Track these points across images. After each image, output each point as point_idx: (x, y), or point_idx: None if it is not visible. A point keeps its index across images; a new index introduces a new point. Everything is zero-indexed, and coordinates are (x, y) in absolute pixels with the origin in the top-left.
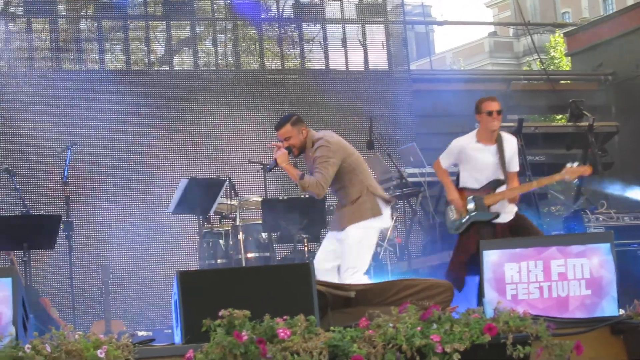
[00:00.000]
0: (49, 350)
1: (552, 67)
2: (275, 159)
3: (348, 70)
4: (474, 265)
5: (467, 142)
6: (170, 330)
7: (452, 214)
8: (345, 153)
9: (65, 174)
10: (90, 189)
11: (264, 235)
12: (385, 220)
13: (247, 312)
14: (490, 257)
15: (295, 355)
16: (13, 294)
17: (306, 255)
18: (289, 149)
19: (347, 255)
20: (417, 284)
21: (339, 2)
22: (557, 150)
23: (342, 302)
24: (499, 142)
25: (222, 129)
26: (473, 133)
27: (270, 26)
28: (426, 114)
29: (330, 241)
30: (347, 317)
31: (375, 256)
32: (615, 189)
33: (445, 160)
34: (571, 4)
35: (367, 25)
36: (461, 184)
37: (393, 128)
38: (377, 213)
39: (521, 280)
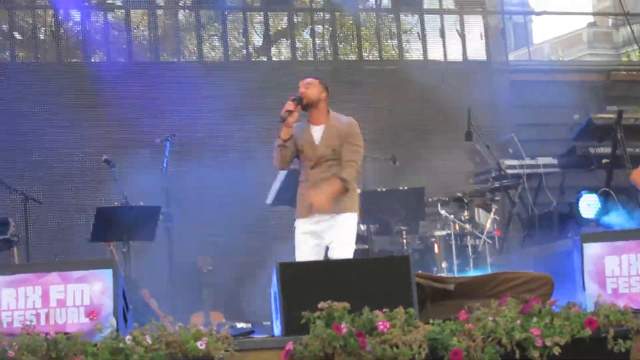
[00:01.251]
0: (150, 341)
1: None
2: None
3: (446, 60)
4: None
5: None
6: (269, 323)
7: None
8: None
9: (164, 165)
10: (189, 180)
11: (362, 227)
12: None
13: (347, 305)
14: (591, 250)
15: (395, 348)
16: (113, 285)
17: (405, 247)
18: (299, 99)
19: (346, 242)
20: (517, 277)
21: None
22: None
23: (441, 295)
24: None
25: None
26: None
27: (368, 17)
28: (525, 105)
29: (316, 226)
30: (446, 310)
31: (474, 249)
32: None
33: None
34: None
35: (465, 16)
36: None
37: (491, 119)
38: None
39: (622, 274)
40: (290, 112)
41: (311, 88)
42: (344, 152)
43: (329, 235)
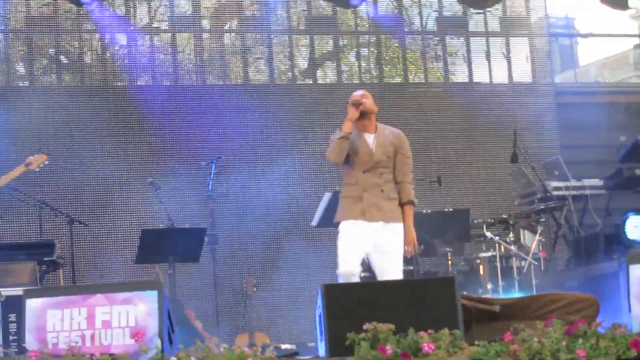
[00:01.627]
0: None
1: None
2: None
3: (492, 83)
4: None
5: None
6: (314, 344)
7: None
8: None
9: (210, 187)
10: (234, 202)
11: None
12: None
13: (392, 326)
14: (637, 271)
15: None
16: (159, 307)
17: (450, 269)
18: (360, 103)
19: (393, 251)
20: (562, 298)
21: (482, 15)
22: None
23: (486, 316)
24: None
25: None
26: None
27: (413, 39)
28: (571, 126)
29: (365, 230)
30: (492, 331)
31: (520, 270)
32: None
33: None
34: None
35: (511, 38)
36: None
37: (537, 141)
38: None
39: None
40: (361, 104)
41: (369, 98)
42: (398, 164)
43: (378, 240)
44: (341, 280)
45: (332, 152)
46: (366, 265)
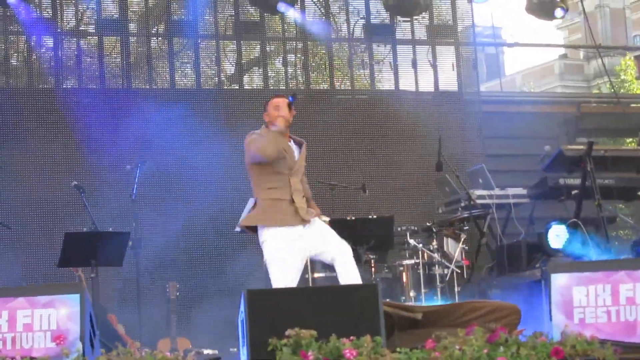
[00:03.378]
0: None
1: (622, 90)
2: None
3: (418, 91)
4: None
5: None
6: (236, 349)
7: None
8: None
9: (135, 191)
10: (159, 206)
11: None
12: None
13: (314, 332)
14: (559, 280)
15: None
16: (81, 311)
17: (373, 276)
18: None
19: (327, 228)
20: (484, 306)
21: (409, 23)
22: (626, 173)
23: (408, 324)
24: None
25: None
26: None
27: (340, 46)
28: (496, 135)
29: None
30: (414, 338)
31: (442, 278)
32: None
33: None
34: None
35: (437, 47)
36: None
37: (462, 150)
38: None
39: (589, 304)
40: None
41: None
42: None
43: (314, 235)
44: None
45: (267, 147)
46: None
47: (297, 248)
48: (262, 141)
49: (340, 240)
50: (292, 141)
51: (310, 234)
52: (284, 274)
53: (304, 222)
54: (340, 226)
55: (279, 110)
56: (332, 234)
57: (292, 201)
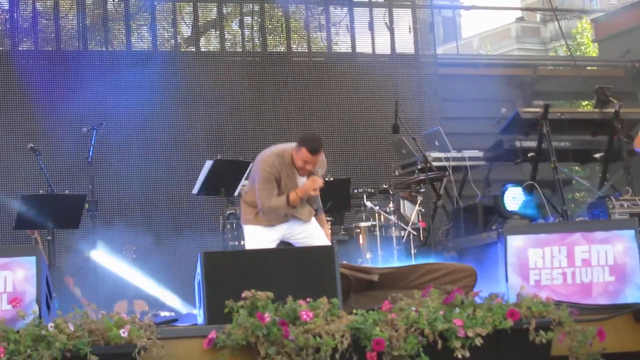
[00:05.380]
0: (72, 329)
1: (578, 53)
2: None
3: (374, 53)
4: None
5: None
6: (193, 311)
7: None
8: None
9: (91, 154)
10: (114, 169)
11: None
12: None
13: (270, 294)
14: (515, 242)
15: (318, 338)
16: (37, 273)
17: (329, 238)
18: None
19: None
20: (441, 268)
21: None
22: (582, 136)
23: (365, 286)
24: None
25: (247, 110)
26: None
27: (297, 8)
28: (452, 98)
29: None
30: (370, 300)
31: (399, 240)
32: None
33: None
34: None
35: (394, 9)
36: None
37: (419, 112)
38: None
39: (545, 266)
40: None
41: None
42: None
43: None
44: None
45: (270, 213)
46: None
47: (276, 238)
48: (271, 200)
49: (325, 237)
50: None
51: (297, 224)
52: None
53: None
54: None
55: (306, 165)
56: (322, 233)
57: (285, 221)
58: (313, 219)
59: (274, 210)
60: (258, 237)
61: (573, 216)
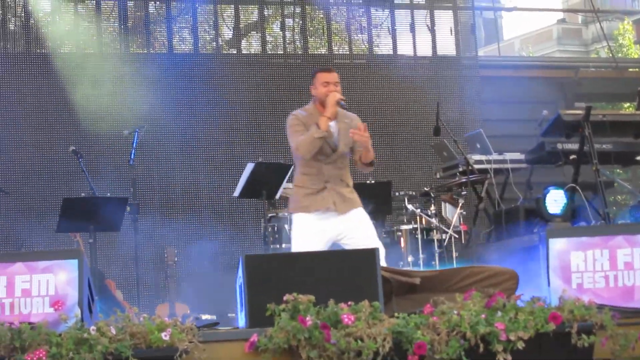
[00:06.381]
0: (114, 332)
1: (620, 54)
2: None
3: (416, 55)
4: None
5: None
6: (234, 314)
7: None
8: None
9: (132, 156)
10: (157, 172)
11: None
12: None
13: (312, 297)
14: (557, 245)
15: (359, 341)
16: (79, 276)
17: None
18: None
19: (371, 230)
20: (482, 272)
21: None
22: (624, 138)
23: (406, 289)
24: None
25: (288, 113)
26: None
27: (338, 11)
28: (494, 100)
29: (329, 221)
30: (412, 303)
31: (440, 243)
32: None
33: None
34: None
35: (435, 11)
36: None
37: (460, 114)
38: None
39: (587, 269)
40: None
41: (339, 84)
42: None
43: (346, 228)
44: None
45: (306, 149)
46: None
47: (322, 235)
48: (301, 137)
49: (376, 240)
50: (336, 120)
51: (344, 221)
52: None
53: (337, 209)
54: None
55: (329, 85)
56: (371, 232)
57: (324, 190)
58: (365, 221)
59: (309, 143)
60: (301, 225)
61: (615, 219)
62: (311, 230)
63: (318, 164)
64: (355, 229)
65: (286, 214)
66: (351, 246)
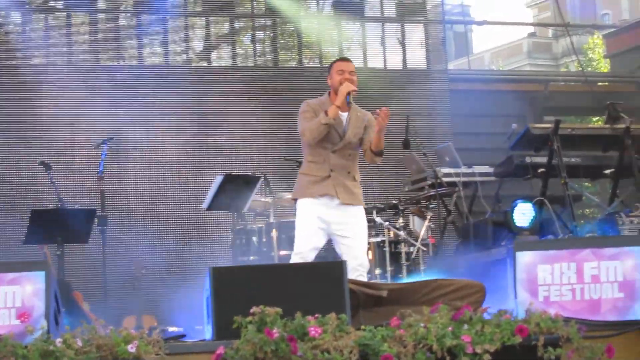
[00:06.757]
0: (80, 344)
1: (590, 68)
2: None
3: (386, 68)
4: None
5: None
6: (201, 327)
7: None
8: None
9: (101, 168)
10: (125, 184)
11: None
12: None
13: (279, 310)
14: (524, 258)
15: (326, 354)
16: (46, 288)
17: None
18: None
19: (363, 235)
20: (450, 284)
21: (378, 0)
22: (593, 152)
23: (373, 301)
24: None
25: (258, 125)
26: None
27: (309, 23)
28: (463, 113)
29: (329, 207)
30: (379, 316)
31: (408, 256)
32: None
33: None
34: (611, 5)
35: (406, 25)
36: None
37: (429, 127)
38: None
39: (554, 282)
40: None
41: (355, 75)
42: (369, 137)
43: (343, 221)
44: (295, 259)
45: (311, 135)
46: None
47: (323, 223)
48: (308, 123)
49: (363, 252)
50: (349, 112)
51: (345, 217)
52: (302, 234)
53: (339, 197)
54: None
55: (344, 74)
56: (363, 237)
57: (328, 177)
58: (361, 224)
59: (315, 128)
60: (304, 211)
61: (583, 232)
62: (313, 216)
63: (325, 151)
64: (351, 230)
65: (254, 226)
66: (342, 244)
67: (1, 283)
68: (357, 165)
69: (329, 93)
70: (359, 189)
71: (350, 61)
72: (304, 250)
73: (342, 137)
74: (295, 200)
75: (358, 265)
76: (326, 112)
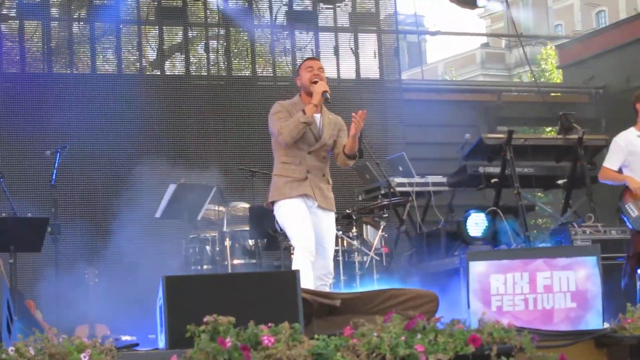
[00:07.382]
0: (33, 353)
1: (543, 79)
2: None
3: (339, 78)
4: None
5: (630, 136)
6: (154, 336)
7: (635, 211)
8: None
9: (54, 177)
10: (78, 192)
11: (250, 242)
12: None
13: (232, 319)
14: (477, 268)
15: None
16: None
17: (292, 263)
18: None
19: (333, 242)
20: (403, 294)
21: (332, 10)
22: (546, 162)
23: (327, 311)
24: None
25: (211, 134)
26: (632, 128)
27: (262, 33)
28: (416, 123)
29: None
30: (332, 325)
31: (362, 265)
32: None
33: (613, 162)
34: (564, 16)
35: (359, 34)
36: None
37: (383, 137)
38: None
39: (507, 292)
40: (327, 96)
41: (324, 76)
42: (342, 140)
43: (316, 224)
44: (301, 258)
45: (289, 134)
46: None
47: (308, 215)
48: (285, 122)
49: (331, 260)
50: (321, 113)
51: (320, 223)
52: (301, 227)
53: (317, 200)
54: (259, 213)
55: (313, 70)
56: (333, 245)
57: (305, 179)
58: (332, 232)
59: (293, 127)
60: (287, 206)
61: (535, 242)
62: (299, 207)
63: (301, 152)
64: (324, 238)
65: (208, 235)
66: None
67: None
68: (328, 167)
69: (300, 94)
70: (332, 193)
71: (318, 60)
72: (308, 246)
73: (317, 139)
74: (272, 204)
75: (328, 273)
76: (304, 111)
